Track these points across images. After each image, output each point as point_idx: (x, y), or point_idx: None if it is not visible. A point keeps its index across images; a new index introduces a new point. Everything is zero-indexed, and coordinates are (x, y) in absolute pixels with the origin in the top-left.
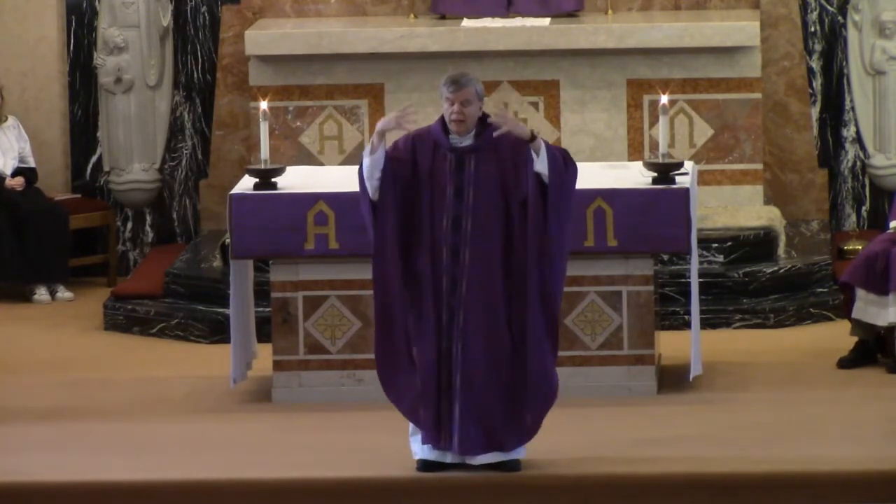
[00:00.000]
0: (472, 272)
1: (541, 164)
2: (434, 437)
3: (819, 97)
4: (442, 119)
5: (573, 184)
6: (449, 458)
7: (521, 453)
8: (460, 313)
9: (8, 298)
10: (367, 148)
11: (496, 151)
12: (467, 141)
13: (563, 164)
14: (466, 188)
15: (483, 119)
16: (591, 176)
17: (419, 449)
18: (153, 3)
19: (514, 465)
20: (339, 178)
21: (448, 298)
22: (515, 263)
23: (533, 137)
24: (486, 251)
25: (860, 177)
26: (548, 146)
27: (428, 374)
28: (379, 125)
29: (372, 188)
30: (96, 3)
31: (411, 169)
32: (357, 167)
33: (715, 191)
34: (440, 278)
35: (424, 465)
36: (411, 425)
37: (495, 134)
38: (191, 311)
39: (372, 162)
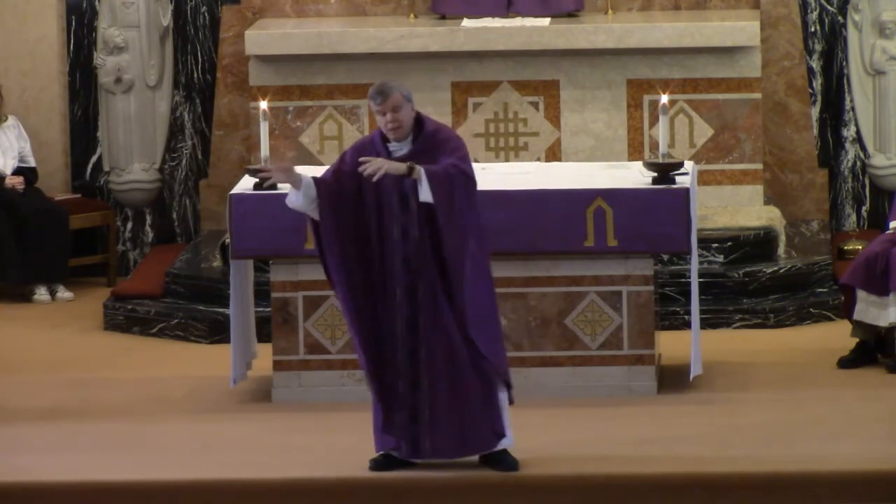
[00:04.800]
0: (426, 278)
1: (425, 194)
2: (401, 440)
3: (819, 97)
4: (380, 129)
5: (462, 195)
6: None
7: (507, 443)
8: (419, 318)
9: (8, 298)
10: (291, 196)
11: (432, 152)
12: (405, 148)
13: (449, 183)
14: (411, 196)
15: (419, 122)
16: (591, 176)
17: (379, 445)
18: (153, 3)
19: (511, 465)
20: None
21: (405, 306)
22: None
23: (410, 171)
24: (436, 253)
25: (860, 177)
26: (429, 172)
27: (389, 380)
28: (283, 180)
29: (313, 214)
30: (96, 3)
31: (357, 181)
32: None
33: (715, 191)
34: (394, 288)
35: (386, 461)
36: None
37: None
38: (191, 311)
39: (304, 203)
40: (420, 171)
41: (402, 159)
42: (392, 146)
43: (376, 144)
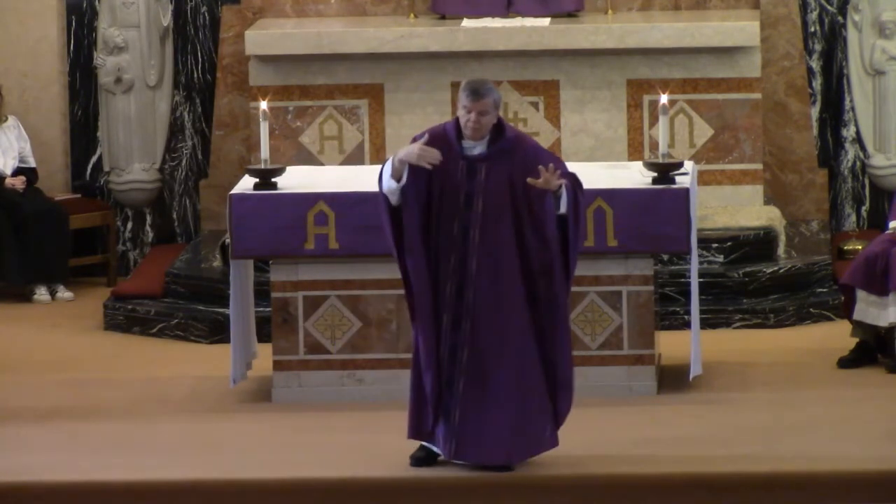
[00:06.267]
0: (479, 281)
1: (562, 209)
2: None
3: (819, 97)
4: (457, 121)
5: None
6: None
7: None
8: (467, 321)
9: (8, 298)
10: (389, 171)
11: (508, 159)
12: (479, 148)
13: (577, 201)
14: (477, 196)
15: (498, 126)
16: (591, 176)
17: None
18: (153, 3)
19: (505, 466)
20: (339, 178)
21: (453, 304)
22: (530, 268)
23: (558, 187)
24: (495, 259)
25: (860, 177)
26: (567, 189)
27: (429, 377)
28: (402, 155)
29: (394, 199)
30: (96, 3)
31: (427, 172)
32: (378, 177)
33: (715, 191)
34: (445, 283)
35: (427, 457)
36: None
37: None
38: (191, 311)
39: (394, 187)
40: (562, 190)
41: (475, 159)
42: (466, 143)
43: (450, 138)
